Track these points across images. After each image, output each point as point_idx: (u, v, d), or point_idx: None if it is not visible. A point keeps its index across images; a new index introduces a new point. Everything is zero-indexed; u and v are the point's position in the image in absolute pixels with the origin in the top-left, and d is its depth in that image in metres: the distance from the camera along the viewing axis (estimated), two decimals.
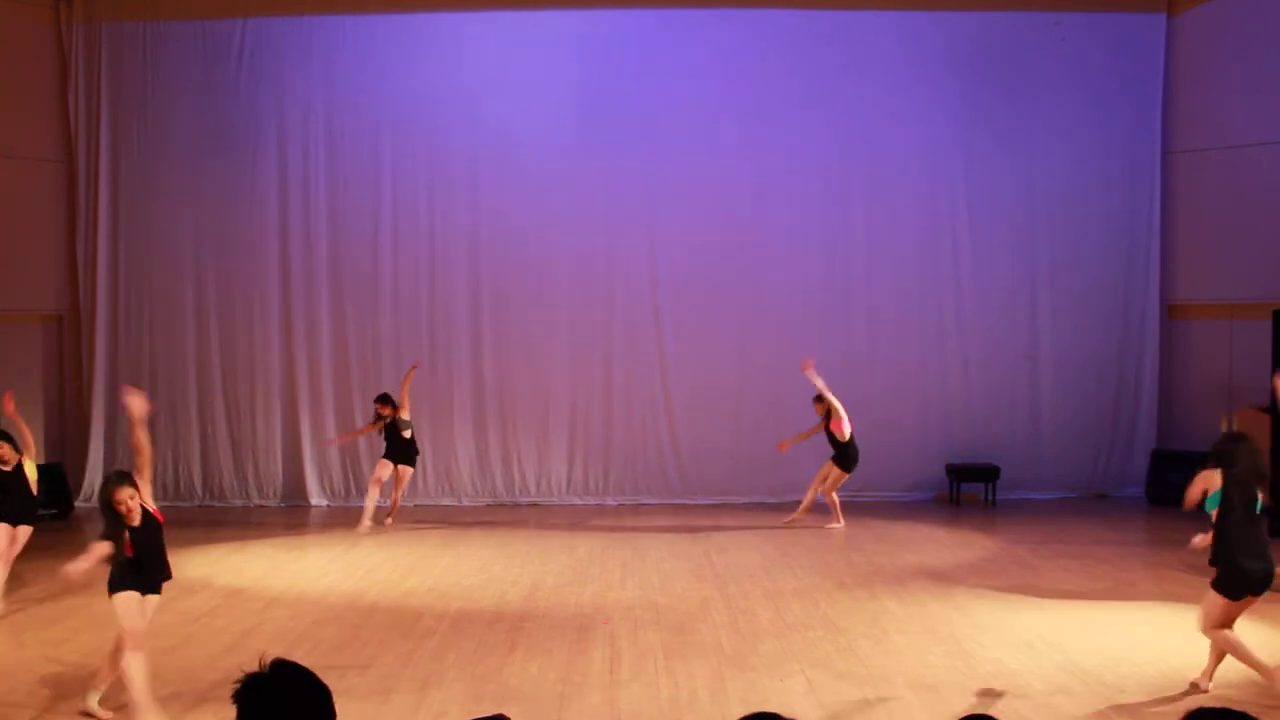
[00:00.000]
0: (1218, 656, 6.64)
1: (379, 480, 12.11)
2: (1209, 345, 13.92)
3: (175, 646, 7.42)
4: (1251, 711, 2.53)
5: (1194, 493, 6.56)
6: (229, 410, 13.95)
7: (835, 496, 12.04)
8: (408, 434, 12.14)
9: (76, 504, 13.33)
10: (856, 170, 14.04)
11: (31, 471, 8.81)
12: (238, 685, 2.52)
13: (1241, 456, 6.41)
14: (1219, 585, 6.40)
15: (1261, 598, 6.56)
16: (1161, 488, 13.16)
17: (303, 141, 13.96)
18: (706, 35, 14.00)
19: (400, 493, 12.43)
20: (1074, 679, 6.80)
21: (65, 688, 6.78)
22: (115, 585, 6.22)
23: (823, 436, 12.00)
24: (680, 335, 14.00)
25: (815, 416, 12.04)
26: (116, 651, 6.27)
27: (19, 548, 8.77)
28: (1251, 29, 13.36)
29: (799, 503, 12.29)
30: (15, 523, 8.64)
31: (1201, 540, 6.70)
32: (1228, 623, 6.38)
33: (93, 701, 6.31)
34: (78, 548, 9.22)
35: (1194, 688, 6.58)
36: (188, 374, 13.91)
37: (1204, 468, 6.52)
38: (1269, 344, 12.67)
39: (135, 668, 6.05)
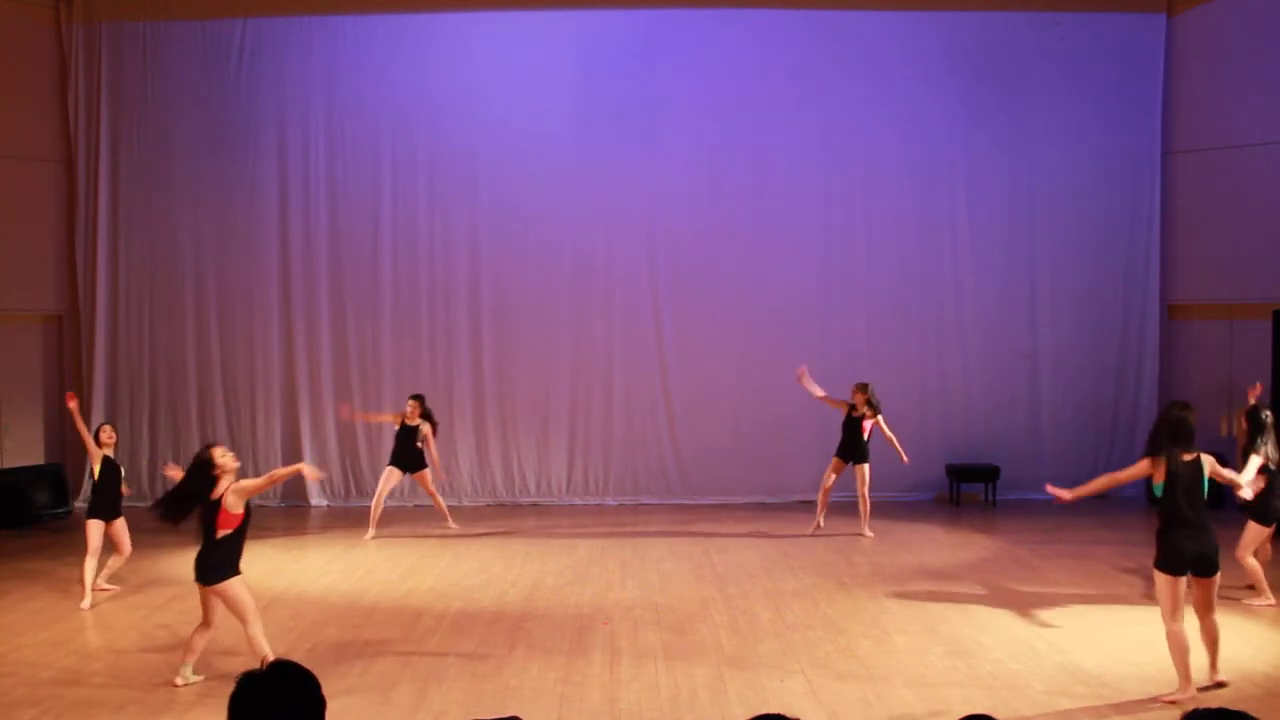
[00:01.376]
0: (1211, 648, 6.65)
1: (387, 490, 11.82)
2: (1209, 345, 13.92)
3: (176, 646, 7.43)
4: (1252, 711, 2.53)
5: (1136, 472, 6.55)
6: (229, 410, 13.95)
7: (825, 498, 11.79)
8: (418, 444, 11.82)
9: (76, 504, 13.31)
10: (856, 170, 14.03)
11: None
12: (236, 685, 2.52)
13: (1178, 430, 6.39)
14: (1157, 562, 6.48)
15: (1217, 582, 6.55)
16: None
17: (303, 142, 13.96)
18: (706, 35, 14.00)
19: (436, 492, 12.09)
20: (1074, 679, 6.80)
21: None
22: (220, 574, 6.68)
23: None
24: (680, 335, 13.99)
25: (847, 401, 11.51)
26: (200, 629, 6.93)
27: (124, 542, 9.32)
28: (1251, 29, 13.37)
29: (805, 501, 12.24)
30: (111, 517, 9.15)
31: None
32: (1179, 605, 6.38)
33: (188, 674, 6.89)
34: (77, 548, 9.29)
35: (1215, 685, 6.59)
36: (188, 374, 13.91)
37: (1149, 455, 6.47)
38: (1269, 344, 12.68)
39: (263, 637, 6.72)
